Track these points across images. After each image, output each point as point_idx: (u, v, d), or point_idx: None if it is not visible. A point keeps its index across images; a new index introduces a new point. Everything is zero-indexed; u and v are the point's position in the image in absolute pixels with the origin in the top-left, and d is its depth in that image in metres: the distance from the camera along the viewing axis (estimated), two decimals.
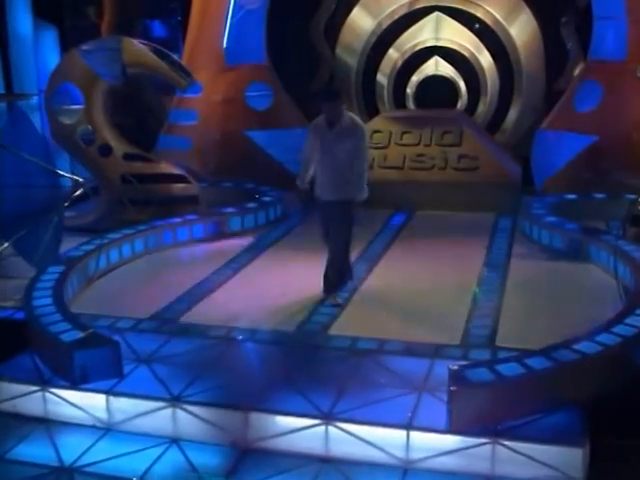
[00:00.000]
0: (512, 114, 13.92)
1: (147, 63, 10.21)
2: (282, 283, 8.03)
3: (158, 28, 15.15)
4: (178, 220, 9.78)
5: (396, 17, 14.09)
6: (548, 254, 8.96)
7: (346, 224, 7.18)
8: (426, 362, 5.89)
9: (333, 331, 6.69)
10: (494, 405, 4.92)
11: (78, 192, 9.39)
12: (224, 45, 12.63)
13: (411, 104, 14.15)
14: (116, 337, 6.17)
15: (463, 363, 5.35)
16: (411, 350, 6.16)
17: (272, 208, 10.82)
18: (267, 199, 10.99)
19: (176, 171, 10.77)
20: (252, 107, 12.62)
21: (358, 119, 7.18)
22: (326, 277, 7.42)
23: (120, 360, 5.80)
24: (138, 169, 10.42)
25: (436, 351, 6.12)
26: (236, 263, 8.79)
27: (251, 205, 10.66)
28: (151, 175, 10.51)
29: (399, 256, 9.03)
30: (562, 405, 5.01)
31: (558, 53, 13.50)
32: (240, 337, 6.56)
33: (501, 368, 5.09)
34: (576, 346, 5.36)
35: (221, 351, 6.27)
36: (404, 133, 11.73)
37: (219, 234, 9.99)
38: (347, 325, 6.82)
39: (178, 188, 10.62)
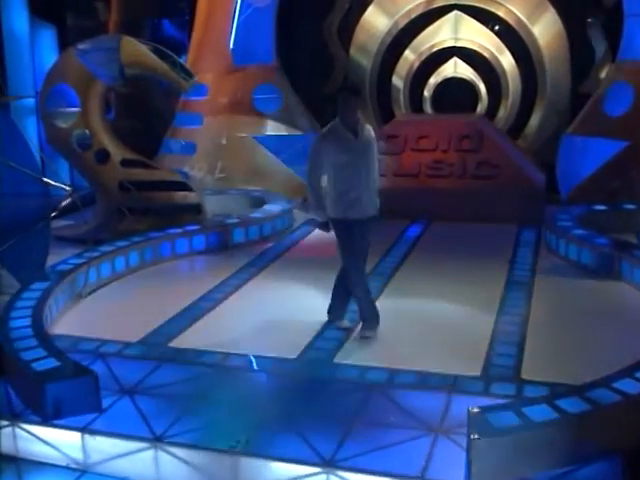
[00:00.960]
0: (535, 119, 13.24)
1: (146, 64, 9.65)
2: (285, 302, 7.39)
3: (166, 28, 14.59)
4: (177, 231, 9.20)
5: (413, 16, 13.50)
6: (577, 271, 8.26)
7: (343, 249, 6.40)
8: (442, 397, 5.21)
9: (339, 359, 6.01)
10: (521, 455, 4.22)
11: (66, 201, 8.76)
12: (231, 45, 12.02)
13: (428, 108, 13.53)
14: (98, 364, 5.55)
15: (485, 404, 4.65)
16: (425, 382, 5.49)
17: (279, 218, 10.18)
18: (274, 208, 10.34)
19: (178, 178, 10.18)
20: (260, 110, 11.97)
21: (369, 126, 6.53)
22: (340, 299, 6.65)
23: (98, 393, 5.17)
24: (137, 176, 9.85)
25: (454, 383, 5.43)
26: (237, 279, 8.16)
27: (257, 215, 10.02)
28: (151, 182, 9.93)
29: (414, 272, 8.35)
30: (600, 455, 4.31)
31: (584, 54, 12.81)
32: (235, 365, 5.89)
33: (529, 411, 4.40)
34: (616, 384, 4.66)
35: (213, 381, 5.61)
36: (420, 138, 11.05)
37: (222, 246, 9.40)
38: (355, 352, 6.14)
39: (179, 196, 10.04)
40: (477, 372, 5.66)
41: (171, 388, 5.48)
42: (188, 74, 9.82)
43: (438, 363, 5.78)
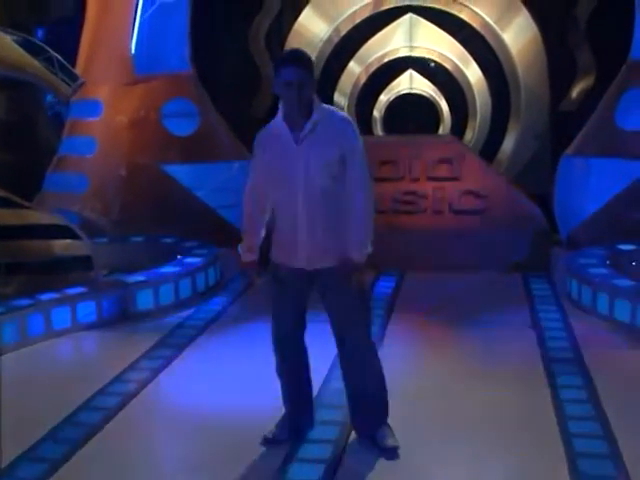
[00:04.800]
0: (509, 142, 11.16)
1: (10, 61, 6.92)
2: (227, 399, 4.73)
3: (63, 35, 11.69)
4: (54, 296, 6.42)
5: (358, 21, 11.50)
6: (633, 336, 5.84)
7: (359, 304, 3.92)
8: None
9: None
10: None
11: None
12: (132, 49, 9.30)
13: (379, 130, 11.36)
14: None
15: None
16: None
17: (201, 273, 7.46)
18: (194, 260, 7.61)
19: (58, 221, 7.40)
20: (172, 132, 9.25)
21: (340, 111, 4.04)
22: (359, 410, 4.07)
23: None
24: (2, 219, 6.99)
25: None
26: (143, 368, 5.43)
27: (170, 270, 7.28)
28: (22, 227, 7.13)
29: (397, 355, 5.50)
30: None
31: (564, 64, 10.70)
32: None
33: None
34: None
35: None
36: (382, 164, 8.52)
37: (121, 316, 6.70)
38: None
39: (61, 246, 7.27)
40: None
41: None
42: (70, 75, 7.10)
43: None
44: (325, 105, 3.91)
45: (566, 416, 4.43)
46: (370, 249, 3.86)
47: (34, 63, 6.94)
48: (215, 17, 10.57)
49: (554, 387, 4.88)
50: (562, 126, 10.60)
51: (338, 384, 4.30)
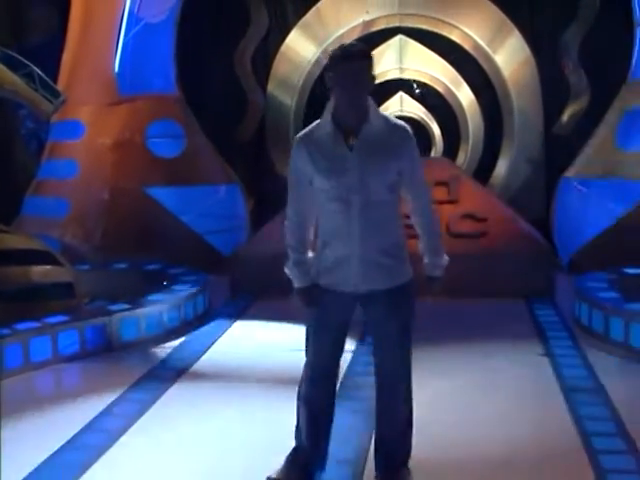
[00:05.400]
0: (502, 165, 10.92)
1: None
2: (221, 445, 4.27)
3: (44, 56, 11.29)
4: (34, 325, 5.97)
5: (347, 42, 10.76)
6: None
7: (406, 335, 3.55)
8: None
9: None
10: None
11: None
12: (115, 69, 8.95)
13: None
14: None
15: None
16: None
17: (189, 302, 7.04)
18: (183, 288, 7.20)
19: (39, 246, 6.97)
20: (157, 154, 8.88)
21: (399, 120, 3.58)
22: (383, 446, 3.67)
23: None
24: None
25: None
26: (130, 402, 4.99)
27: (157, 298, 6.86)
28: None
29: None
30: None
31: (557, 87, 10.48)
32: None
33: None
34: None
35: None
36: None
37: (105, 347, 6.25)
38: None
39: (41, 272, 6.81)
40: None
41: None
42: (52, 92, 6.71)
43: None
44: (380, 110, 3.58)
45: (595, 450, 4.08)
46: (447, 260, 3.60)
47: (13, 78, 6.54)
48: (201, 39, 10.29)
49: (579, 418, 4.52)
50: (555, 149, 10.41)
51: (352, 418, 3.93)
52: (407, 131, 3.43)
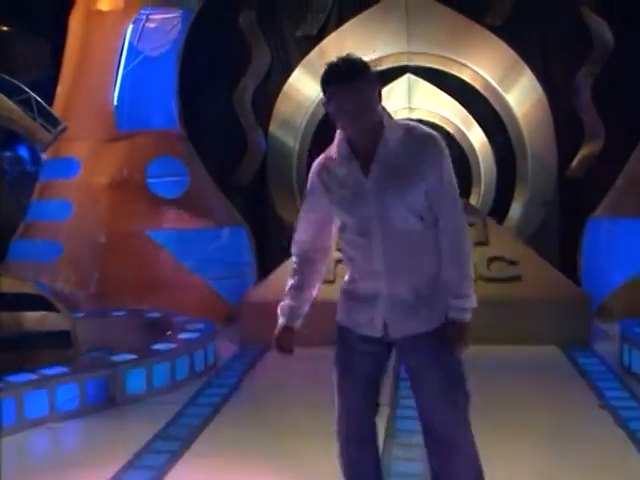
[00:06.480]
0: (515, 209, 10.36)
1: None
2: None
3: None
4: (29, 378, 5.33)
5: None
6: None
7: (456, 381, 2.95)
8: None
9: None
10: None
11: None
12: (114, 102, 8.41)
13: None
14: None
15: None
16: None
17: (199, 352, 6.41)
18: (190, 336, 6.57)
19: (31, 290, 6.33)
20: (157, 194, 8.31)
21: (423, 127, 2.97)
22: None
23: None
24: None
25: None
26: (140, 467, 4.31)
27: (160, 347, 6.21)
28: None
29: None
30: None
31: (571, 128, 10.08)
32: None
33: None
34: None
35: None
36: None
37: (107, 402, 5.60)
38: None
39: (35, 319, 6.19)
40: None
41: None
42: (51, 120, 6.15)
43: None
44: (401, 119, 3.02)
45: None
46: (475, 303, 2.92)
47: (11, 105, 5.98)
48: (199, 76, 9.78)
49: None
50: (569, 193, 9.98)
51: None
52: (433, 139, 2.85)
